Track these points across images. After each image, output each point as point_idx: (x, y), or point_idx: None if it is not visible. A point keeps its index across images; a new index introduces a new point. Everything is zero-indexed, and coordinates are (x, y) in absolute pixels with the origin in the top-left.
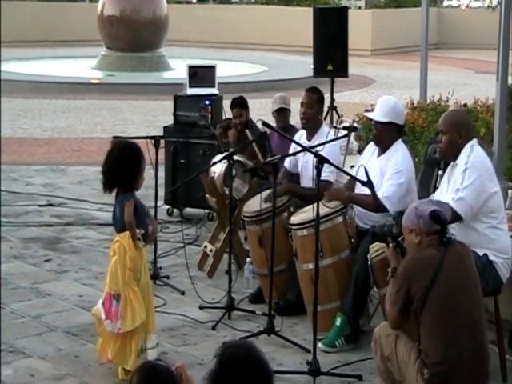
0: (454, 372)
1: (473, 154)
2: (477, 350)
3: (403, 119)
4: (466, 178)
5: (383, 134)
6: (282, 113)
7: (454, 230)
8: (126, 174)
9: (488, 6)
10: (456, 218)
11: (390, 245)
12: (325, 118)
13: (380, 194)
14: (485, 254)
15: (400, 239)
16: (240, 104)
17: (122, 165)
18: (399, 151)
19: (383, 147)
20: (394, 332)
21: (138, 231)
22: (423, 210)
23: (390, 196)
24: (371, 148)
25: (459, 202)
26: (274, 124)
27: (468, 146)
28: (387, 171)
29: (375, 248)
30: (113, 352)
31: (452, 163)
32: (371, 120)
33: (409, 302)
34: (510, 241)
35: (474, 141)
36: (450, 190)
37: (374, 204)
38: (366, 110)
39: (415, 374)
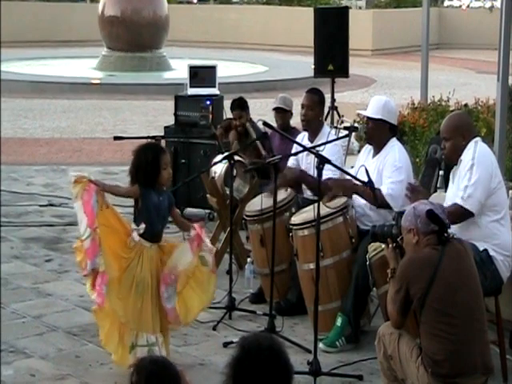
0: (456, 369)
1: (478, 150)
2: (478, 348)
3: (396, 119)
4: (473, 174)
5: (375, 132)
6: (279, 113)
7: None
8: (143, 174)
9: (490, 7)
10: (467, 215)
11: (390, 245)
12: (325, 119)
13: (384, 190)
14: (485, 249)
15: (399, 239)
16: (240, 106)
17: (139, 163)
18: (395, 148)
19: (376, 146)
20: (397, 331)
21: (137, 227)
22: (421, 210)
23: (394, 194)
24: (366, 150)
25: (469, 199)
26: (274, 124)
27: (472, 142)
28: (386, 168)
29: (373, 247)
30: (103, 333)
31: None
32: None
33: (409, 302)
34: (511, 238)
35: (478, 138)
36: (456, 188)
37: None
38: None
39: (416, 371)
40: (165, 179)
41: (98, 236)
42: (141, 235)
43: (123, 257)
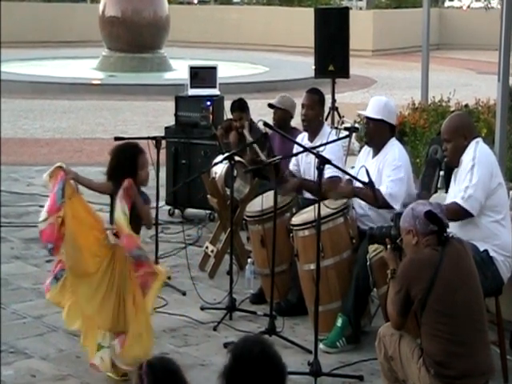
0: (457, 370)
1: (479, 150)
2: (478, 348)
3: (395, 119)
4: (474, 174)
5: (375, 132)
6: (274, 110)
7: (456, 222)
8: (120, 171)
9: (486, 8)
10: (466, 215)
11: (389, 246)
12: (326, 119)
13: (383, 190)
14: (485, 250)
15: (398, 241)
16: (240, 107)
17: (116, 162)
18: (395, 147)
19: (376, 146)
20: (397, 331)
21: (110, 226)
22: (419, 211)
23: (394, 193)
24: (366, 151)
25: (469, 199)
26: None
27: (473, 142)
28: (385, 168)
29: (374, 247)
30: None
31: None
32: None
33: (409, 303)
34: (511, 239)
35: (479, 138)
36: (457, 188)
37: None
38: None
39: (418, 372)
40: (142, 179)
41: (58, 224)
42: (115, 234)
43: (96, 254)
